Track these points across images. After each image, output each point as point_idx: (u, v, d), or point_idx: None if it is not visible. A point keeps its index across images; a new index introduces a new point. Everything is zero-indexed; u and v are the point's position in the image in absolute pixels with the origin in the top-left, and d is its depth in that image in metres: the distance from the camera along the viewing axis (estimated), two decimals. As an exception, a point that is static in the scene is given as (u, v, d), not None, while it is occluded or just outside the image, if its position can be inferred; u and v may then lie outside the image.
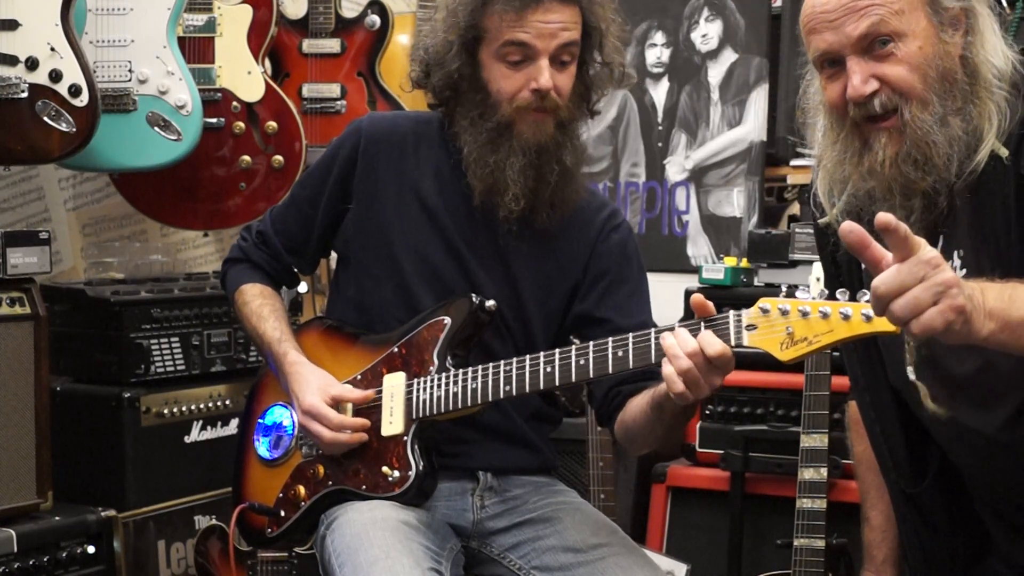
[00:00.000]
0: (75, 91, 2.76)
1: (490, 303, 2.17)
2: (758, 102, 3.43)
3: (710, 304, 1.86)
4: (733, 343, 1.84)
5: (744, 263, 3.17)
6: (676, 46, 3.55)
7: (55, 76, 2.76)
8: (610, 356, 1.96)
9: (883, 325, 1.73)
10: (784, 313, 1.80)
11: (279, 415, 2.32)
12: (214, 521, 3.10)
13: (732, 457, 2.92)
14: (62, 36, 2.76)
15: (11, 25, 2.75)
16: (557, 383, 2.03)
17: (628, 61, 3.57)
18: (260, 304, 2.36)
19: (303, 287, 2.96)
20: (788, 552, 2.58)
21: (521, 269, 2.27)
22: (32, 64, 2.75)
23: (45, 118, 2.76)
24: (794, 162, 3.38)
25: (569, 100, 2.21)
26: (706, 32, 3.51)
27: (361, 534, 2.06)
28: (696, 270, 3.42)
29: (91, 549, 2.81)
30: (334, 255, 2.47)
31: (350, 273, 2.35)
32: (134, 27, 3.11)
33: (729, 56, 3.48)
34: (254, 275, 2.41)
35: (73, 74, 2.76)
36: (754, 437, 2.92)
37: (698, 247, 3.51)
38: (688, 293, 3.10)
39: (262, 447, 2.32)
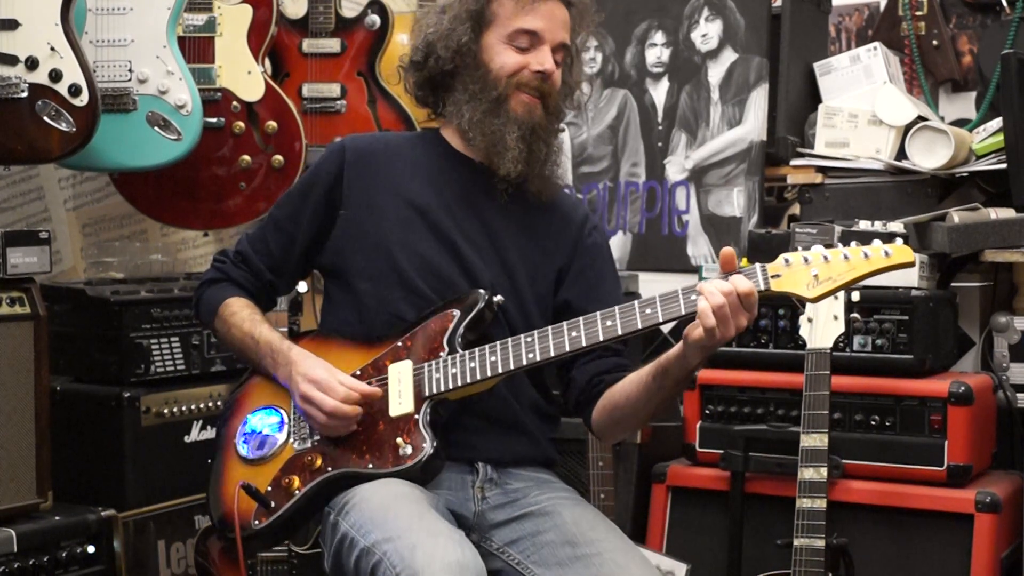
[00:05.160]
0: (75, 91, 2.76)
1: (498, 298, 2.25)
2: (758, 102, 3.42)
3: (733, 256, 2.04)
4: (762, 288, 1.99)
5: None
6: (676, 46, 3.55)
7: (55, 76, 2.76)
8: (638, 314, 2.06)
9: (902, 257, 1.94)
10: (807, 261, 1.98)
11: (263, 421, 2.29)
12: (214, 521, 3.10)
13: (732, 457, 2.92)
14: (62, 36, 2.76)
15: (11, 25, 2.75)
16: (584, 344, 2.10)
17: (627, 61, 3.59)
18: (251, 312, 2.38)
19: (303, 287, 2.96)
20: (788, 552, 2.57)
21: (513, 255, 2.35)
22: (32, 64, 2.75)
23: (45, 118, 2.76)
24: (794, 162, 3.38)
25: (557, 97, 2.36)
26: (706, 32, 3.51)
27: (387, 505, 2.06)
28: (696, 270, 3.41)
29: (91, 549, 2.81)
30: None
31: (345, 281, 2.37)
32: (134, 27, 3.11)
33: (729, 56, 3.48)
34: (238, 291, 2.42)
35: (73, 74, 2.76)
36: (754, 437, 2.92)
37: (698, 247, 3.50)
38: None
39: (243, 449, 2.29)
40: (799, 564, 2.54)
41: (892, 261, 1.95)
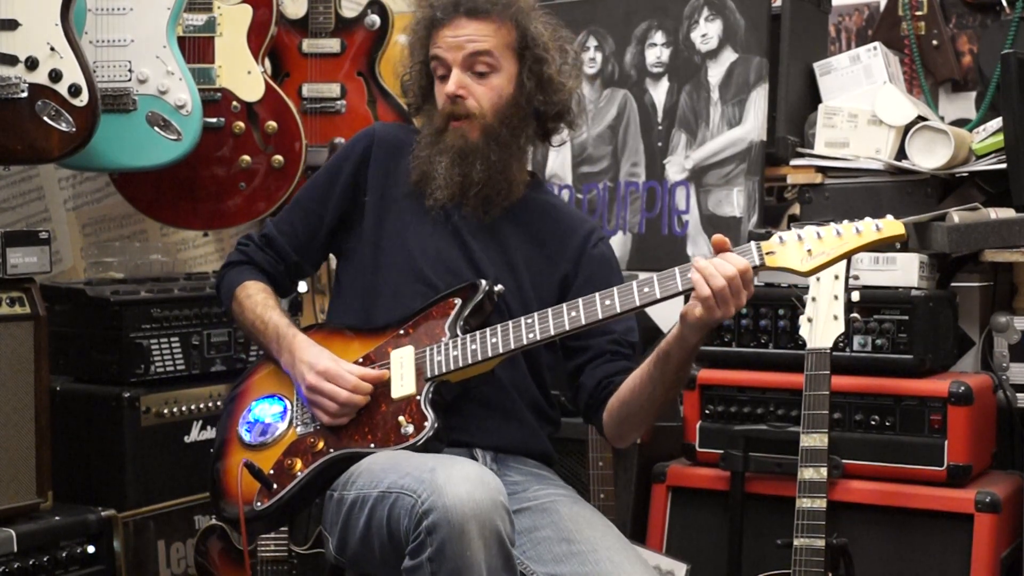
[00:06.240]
0: (75, 91, 2.76)
1: (499, 288, 2.29)
2: (758, 102, 3.42)
3: (728, 241, 2.07)
4: (757, 263, 2.04)
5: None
6: (676, 46, 3.54)
7: (55, 76, 2.76)
8: (636, 292, 2.09)
9: (892, 230, 2.02)
10: (800, 238, 2.05)
11: (267, 410, 2.32)
12: (214, 521, 3.10)
13: (732, 457, 2.92)
14: (62, 36, 2.76)
15: (11, 25, 2.75)
16: (584, 323, 2.13)
17: (627, 61, 3.59)
18: (266, 297, 2.42)
19: (303, 287, 2.97)
20: (788, 552, 2.57)
21: (518, 257, 2.39)
22: (32, 64, 2.75)
23: (45, 118, 2.76)
24: (794, 162, 3.38)
25: (498, 109, 2.35)
26: (706, 32, 3.51)
27: (396, 458, 2.09)
28: (696, 270, 3.40)
29: (91, 549, 2.82)
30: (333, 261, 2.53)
31: (358, 264, 2.42)
32: (134, 27, 3.11)
33: (729, 56, 3.47)
34: (257, 275, 2.47)
35: (73, 74, 2.76)
36: (754, 437, 2.92)
37: (698, 247, 3.50)
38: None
39: (246, 436, 2.31)
40: (799, 564, 2.54)
41: (883, 234, 2.03)
